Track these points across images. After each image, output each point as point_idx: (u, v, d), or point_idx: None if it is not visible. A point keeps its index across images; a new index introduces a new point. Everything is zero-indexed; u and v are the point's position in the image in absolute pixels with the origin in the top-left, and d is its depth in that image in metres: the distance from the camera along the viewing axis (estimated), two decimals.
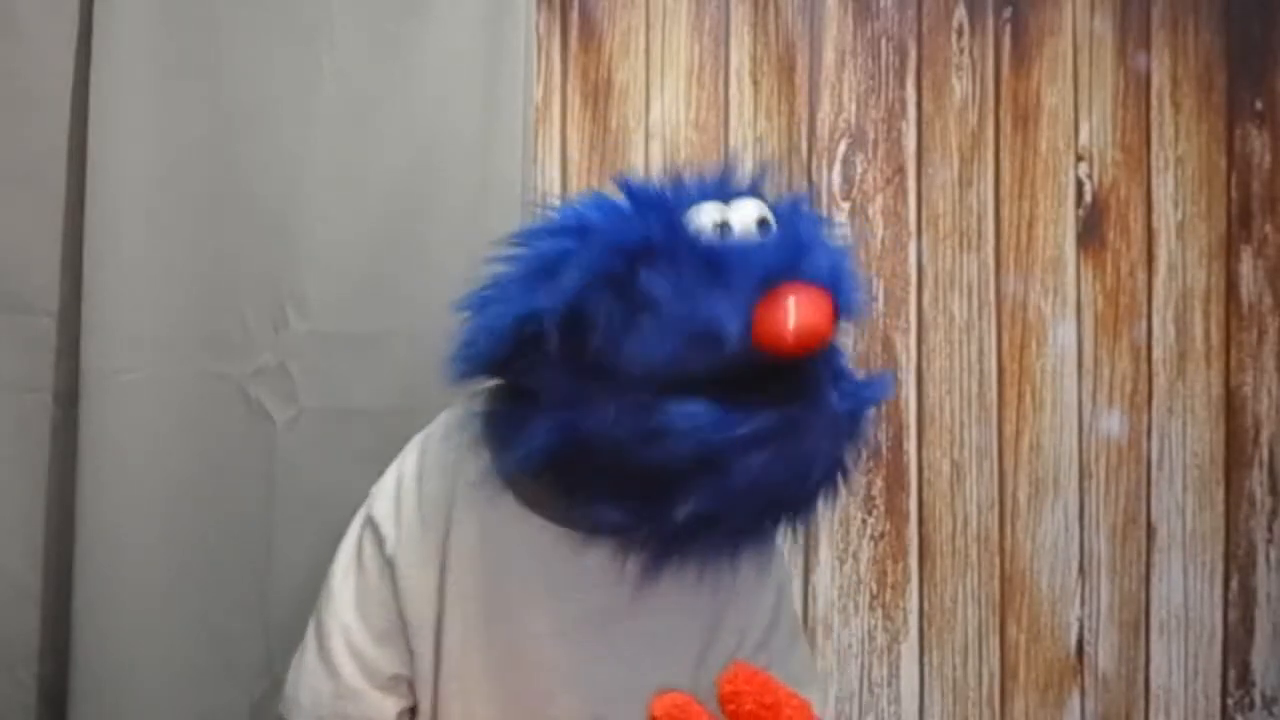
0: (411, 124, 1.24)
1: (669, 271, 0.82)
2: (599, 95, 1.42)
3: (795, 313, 0.78)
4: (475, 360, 0.92)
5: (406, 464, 1.02)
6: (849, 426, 0.86)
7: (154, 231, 1.17)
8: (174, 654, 1.17)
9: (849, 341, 0.92)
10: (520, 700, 0.96)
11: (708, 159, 1.41)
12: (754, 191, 0.92)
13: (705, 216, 0.86)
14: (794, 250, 0.84)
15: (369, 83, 1.23)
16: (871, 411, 0.90)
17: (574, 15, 1.41)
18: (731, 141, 1.44)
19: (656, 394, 0.81)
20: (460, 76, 1.26)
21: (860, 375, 0.90)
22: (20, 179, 1.15)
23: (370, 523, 1.00)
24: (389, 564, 0.97)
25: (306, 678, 0.98)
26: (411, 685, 0.98)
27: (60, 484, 1.16)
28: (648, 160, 1.40)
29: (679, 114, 1.43)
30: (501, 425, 0.94)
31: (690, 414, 0.80)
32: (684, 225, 0.86)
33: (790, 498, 0.86)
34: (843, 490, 0.90)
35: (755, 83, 1.45)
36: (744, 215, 0.87)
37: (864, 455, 0.92)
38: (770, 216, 0.89)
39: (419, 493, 0.99)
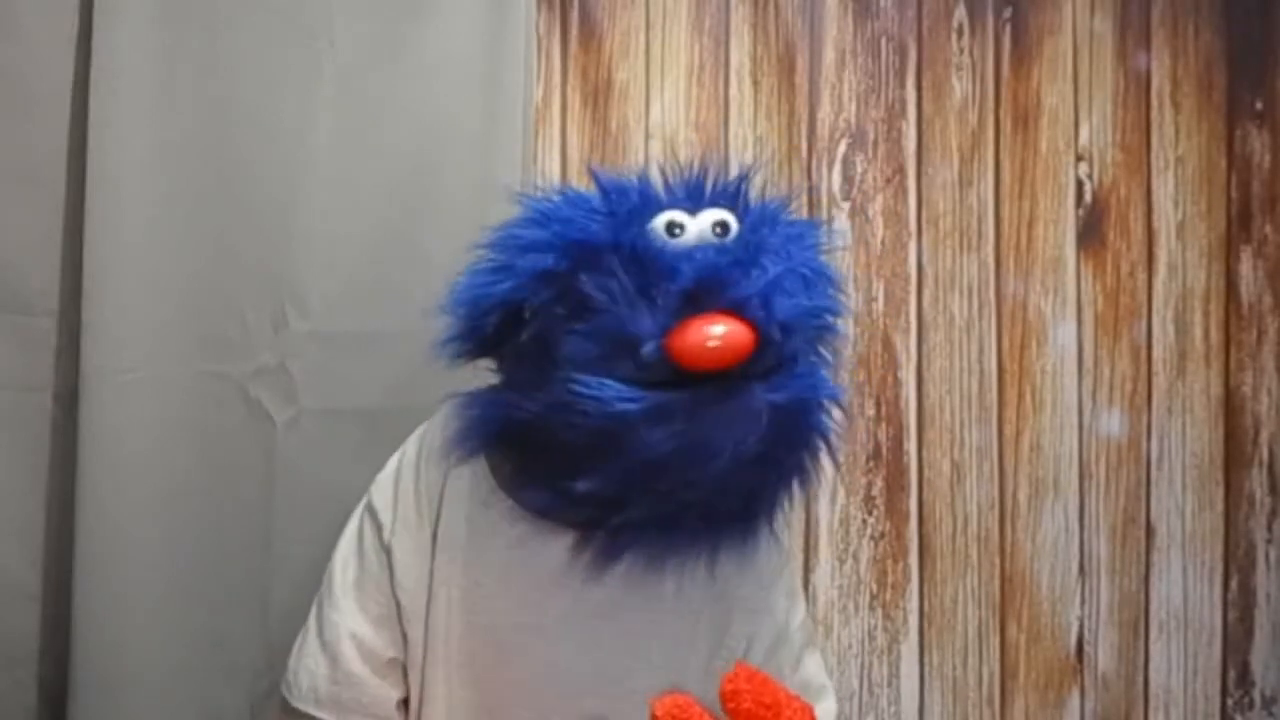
0: (411, 124, 1.24)
1: (605, 278, 0.85)
2: (599, 95, 1.42)
3: (703, 340, 0.81)
4: (452, 343, 0.97)
5: (407, 453, 1.05)
6: (775, 417, 0.84)
7: (154, 232, 1.17)
8: (174, 654, 1.17)
9: (803, 342, 0.90)
10: (499, 690, 0.97)
11: (707, 159, 1.41)
12: (727, 197, 0.95)
13: (662, 218, 0.90)
14: (726, 265, 0.85)
15: (369, 83, 1.23)
16: (814, 405, 0.88)
17: (574, 15, 1.41)
18: (731, 141, 1.44)
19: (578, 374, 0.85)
20: (460, 77, 1.26)
21: (807, 369, 0.89)
22: (20, 179, 1.15)
23: (370, 510, 1.03)
24: (386, 550, 1.00)
25: (306, 660, 1.00)
26: (406, 671, 1.00)
27: (60, 484, 1.16)
28: (647, 160, 1.40)
29: (679, 114, 1.43)
30: (474, 408, 0.98)
31: (597, 389, 0.83)
32: (638, 227, 0.89)
33: (701, 483, 0.85)
34: (800, 487, 0.92)
35: (755, 83, 1.45)
36: (701, 219, 0.91)
37: (827, 451, 0.91)
38: (732, 220, 0.91)
39: (416, 481, 1.01)
